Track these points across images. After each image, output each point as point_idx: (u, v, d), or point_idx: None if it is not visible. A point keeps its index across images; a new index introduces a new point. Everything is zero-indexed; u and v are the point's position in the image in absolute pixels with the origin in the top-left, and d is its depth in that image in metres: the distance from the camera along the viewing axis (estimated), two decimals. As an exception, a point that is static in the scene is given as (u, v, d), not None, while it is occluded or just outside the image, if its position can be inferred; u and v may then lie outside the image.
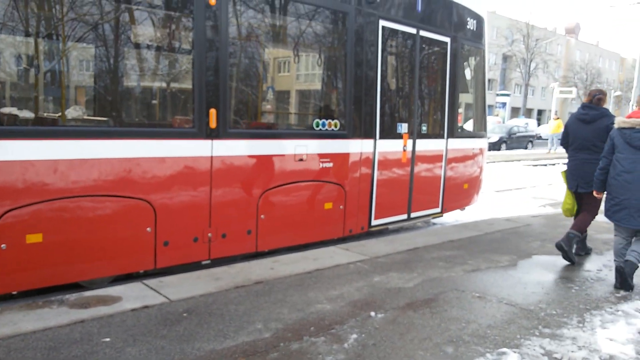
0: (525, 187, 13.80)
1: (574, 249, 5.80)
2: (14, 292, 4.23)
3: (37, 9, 4.26)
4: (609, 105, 63.75)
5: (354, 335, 3.59)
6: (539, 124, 46.81)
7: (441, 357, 3.31)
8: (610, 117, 5.58)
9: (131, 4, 4.56)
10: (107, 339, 3.40)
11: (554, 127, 28.34)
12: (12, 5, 3.98)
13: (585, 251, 6.18)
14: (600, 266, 5.64)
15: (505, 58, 60.18)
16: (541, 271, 5.37)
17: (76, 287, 4.53)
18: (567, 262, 5.67)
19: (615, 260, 5.12)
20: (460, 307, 4.23)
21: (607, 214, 5.12)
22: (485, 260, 5.73)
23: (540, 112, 65.89)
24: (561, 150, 30.59)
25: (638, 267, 4.87)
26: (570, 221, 6.13)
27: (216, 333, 3.57)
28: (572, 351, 3.45)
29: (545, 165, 20.79)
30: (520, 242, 6.65)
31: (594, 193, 5.38)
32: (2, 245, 3.92)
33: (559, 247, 5.61)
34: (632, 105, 6.63)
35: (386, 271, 5.19)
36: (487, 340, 3.59)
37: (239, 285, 4.60)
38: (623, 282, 4.84)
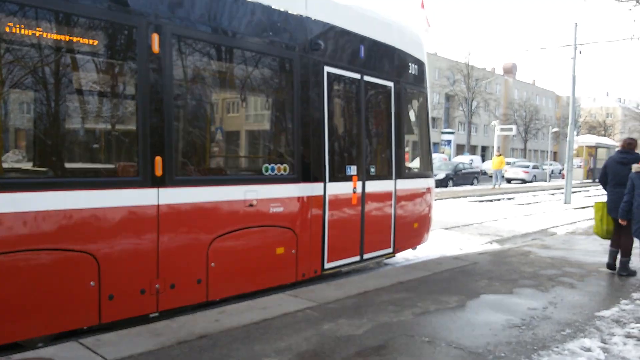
0: (472, 223, 14.09)
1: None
2: None
3: None
4: (547, 140, 67.00)
5: (301, 392, 3.45)
6: (483, 160, 48.41)
7: (390, 411, 3.22)
8: None
9: (73, 50, 4.45)
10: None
11: (496, 163, 29.37)
12: None
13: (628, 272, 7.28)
14: (546, 304, 5.72)
15: (448, 97, 62.57)
16: (489, 311, 5.40)
17: (15, 346, 4.23)
18: (515, 301, 5.75)
19: None
20: (410, 353, 4.16)
21: (636, 234, 6.69)
22: (434, 301, 5.72)
23: (484, 149, 68.34)
24: (505, 186, 31.63)
25: None
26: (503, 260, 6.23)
27: (154, 397, 3.36)
28: (521, 396, 3.43)
29: (491, 200, 21.39)
30: (468, 281, 6.70)
31: (620, 221, 6.95)
32: None
33: (625, 275, 7.14)
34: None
35: (336, 318, 5.08)
36: (437, 389, 3.52)
37: (182, 340, 4.38)
38: None
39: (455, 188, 27.45)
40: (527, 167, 38.79)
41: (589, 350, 4.32)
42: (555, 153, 77.24)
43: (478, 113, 61.31)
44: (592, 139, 44.67)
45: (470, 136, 59.22)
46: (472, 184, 30.68)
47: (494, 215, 15.89)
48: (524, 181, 36.69)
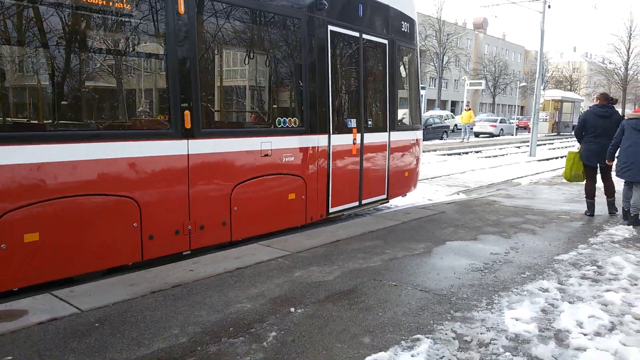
0: (440, 175, 14.39)
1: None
2: (15, 289, 4.38)
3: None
4: (515, 95, 67.64)
5: (273, 333, 3.58)
6: (453, 115, 48.86)
7: (358, 348, 3.38)
8: (618, 113, 7.90)
9: (111, 13, 4.84)
10: (9, 358, 3.18)
11: (465, 117, 29.71)
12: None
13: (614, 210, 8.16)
14: (507, 248, 5.98)
15: (420, 53, 62.23)
16: (454, 256, 5.62)
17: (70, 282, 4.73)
18: (478, 247, 5.99)
19: (623, 202, 7.65)
20: (378, 296, 4.34)
21: (618, 174, 7.47)
22: (402, 249, 5.91)
23: (453, 104, 68.80)
24: (473, 140, 32.06)
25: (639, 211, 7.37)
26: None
27: (130, 342, 3.45)
28: (481, 333, 3.64)
29: (459, 154, 21.77)
30: (435, 229, 6.92)
31: (607, 162, 7.71)
32: (2, 245, 4.14)
33: (613, 213, 8.08)
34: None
35: (307, 265, 5.23)
36: (402, 327, 3.70)
37: (156, 290, 4.46)
38: (632, 220, 7.35)
39: (425, 142, 27.68)
40: (495, 121, 39.35)
41: (546, 291, 4.56)
42: (522, 107, 78.31)
43: (449, 68, 61.41)
44: (558, 94, 45.42)
45: (441, 91, 59.44)
46: (441, 139, 31.06)
47: (462, 168, 16.23)
48: (491, 135, 37.29)
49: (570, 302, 4.23)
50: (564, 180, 9.77)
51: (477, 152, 22.87)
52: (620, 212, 7.96)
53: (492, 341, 3.51)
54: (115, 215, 4.83)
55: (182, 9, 5.14)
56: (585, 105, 62.83)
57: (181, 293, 4.39)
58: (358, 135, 7.64)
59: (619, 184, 8.00)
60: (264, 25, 6.37)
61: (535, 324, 3.81)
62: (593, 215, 8.05)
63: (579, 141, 8.18)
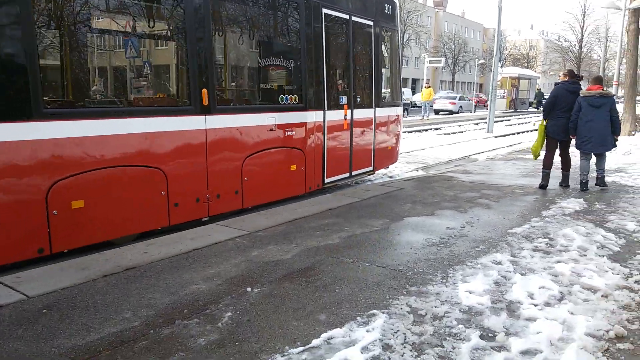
0: (400, 152, 14.46)
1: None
2: (65, 250, 4.81)
3: None
4: (474, 72, 68.62)
5: (229, 314, 3.54)
6: (413, 93, 49.24)
7: (314, 325, 3.37)
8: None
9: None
10: (-51, 348, 3.04)
11: (425, 95, 29.96)
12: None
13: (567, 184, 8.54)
14: (463, 223, 6.07)
15: (381, 29, 62.13)
16: (411, 232, 5.68)
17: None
18: (435, 222, 6.07)
19: (581, 175, 8.18)
20: (335, 273, 4.34)
21: (579, 146, 8.07)
22: (361, 225, 5.93)
23: (414, 81, 69.29)
24: (434, 117, 32.42)
25: (605, 175, 8.33)
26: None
27: (79, 327, 3.34)
28: (436, 306, 3.68)
29: (419, 131, 21.98)
30: (393, 206, 6.97)
31: (571, 136, 8.14)
32: (54, 211, 4.59)
33: (567, 186, 8.41)
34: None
35: (265, 244, 5.18)
36: (358, 303, 3.72)
37: (108, 273, 4.34)
38: (600, 182, 8.30)
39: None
40: (454, 98, 39.86)
41: (499, 263, 4.66)
42: (481, 85, 79.56)
43: (409, 46, 61.64)
44: (515, 71, 46.33)
45: (402, 69, 59.71)
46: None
47: (421, 145, 16.40)
48: (451, 112, 37.79)
49: (522, 274, 4.33)
50: (520, 156, 9.98)
51: (436, 129, 23.15)
52: (573, 185, 8.34)
53: (445, 314, 3.56)
54: (147, 184, 5.38)
55: None
56: (541, 83, 64.39)
57: (134, 276, 4.28)
58: (349, 112, 8.29)
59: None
60: (269, 9, 7.00)
61: (488, 296, 3.88)
62: (547, 184, 8.37)
63: (546, 116, 8.40)
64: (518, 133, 22.41)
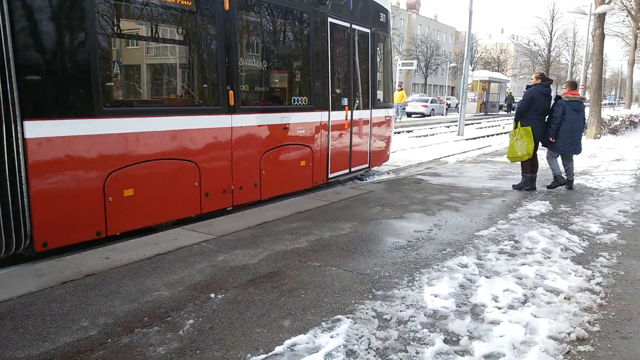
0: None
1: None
2: (117, 233, 5.37)
3: None
4: (446, 75, 69.43)
5: (191, 321, 3.46)
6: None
7: (278, 331, 3.32)
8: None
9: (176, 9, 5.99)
10: None
11: (397, 98, 30.11)
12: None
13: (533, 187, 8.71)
14: (431, 226, 6.10)
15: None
16: (379, 235, 5.67)
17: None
18: (403, 225, 6.09)
19: (558, 176, 8.58)
20: (301, 278, 4.29)
21: (562, 149, 8.43)
22: (330, 229, 5.90)
23: (387, 84, 69.51)
24: (405, 120, 32.60)
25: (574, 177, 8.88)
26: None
27: (33, 337, 3.22)
28: (401, 310, 3.67)
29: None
30: (362, 209, 6.96)
31: (551, 139, 8.37)
32: (109, 198, 5.18)
33: (533, 188, 8.54)
34: (560, 87, 9.01)
35: (231, 249, 5.10)
36: (324, 308, 3.68)
37: (67, 280, 4.21)
38: (570, 185, 8.70)
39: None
40: (427, 101, 40.24)
41: (465, 266, 4.68)
42: (453, 88, 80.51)
43: (382, 48, 61.92)
44: (485, 74, 46.97)
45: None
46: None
47: (393, 147, 16.38)
48: (423, 115, 38.11)
49: (487, 277, 4.36)
50: (489, 159, 10.09)
51: (408, 131, 23.30)
52: (539, 188, 8.60)
53: (410, 318, 3.55)
54: (183, 176, 5.99)
55: (227, 6, 6.25)
56: (511, 86, 65.52)
57: (94, 283, 4.16)
58: (349, 112, 8.99)
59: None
60: (282, 19, 7.68)
61: (453, 299, 3.88)
62: (535, 188, 8.59)
63: (519, 118, 8.43)
64: (488, 136, 22.73)
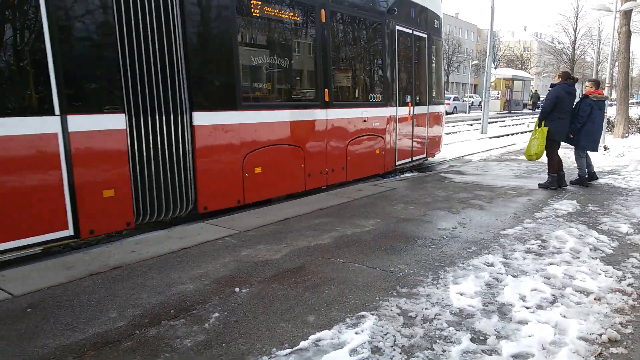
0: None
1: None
2: (250, 202, 6.84)
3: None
4: (468, 73, 68.67)
5: (216, 314, 3.47)
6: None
7: (302, 327, 3.31)
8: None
9: (289, 23, 7.42)
10: None
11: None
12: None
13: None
14: (455, 224, 6.03)
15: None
16: (402, 233, 5.62)
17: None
18: (427, 222, 6.03)
19: (583, 176, 8.73)
20: (325, 274, 4.28)
21: (587, 146, 8.55)
22: (352, 225, 5.88)
23: (409, 81, 68.94)
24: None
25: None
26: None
27: (64, 327, 3.27)
28: (426, 308, 3.63)
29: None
30: (385, 206, 6.92)
31: (570, 135, 8.45)
32: (246, 174, 6.64)
33: (563, 185, 8.52)
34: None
35: (255, 244, 5.12)
36: (348, 305, 3.66)
37: (95, 272, 4.27)
38: (591, 178, 8.85)
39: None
40: (449, 99, 39.88)
41: (491, 265, 4.61)
42: (475, 86, 79.64)
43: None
44: (509, 72, 46.37)
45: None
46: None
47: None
48: (445, 113, 37.73)
49: (514, 276, 4.29)
50: (514, 157, 9.97)
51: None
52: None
53: (436, 316, 3.51)
54: (294, 158, 7.45)
55: (323, 19, 7.66)
56: (534, 84, 64.53)
57: (121, 275, 4.21)
58: (412, 108, 10.31)
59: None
60: (363, 29, 8.91)
61: (480, 298, 3.83)
62: (567, 185, 8.65)
63: (544, 118, 8.33)
64: (512, 134, 22.43)
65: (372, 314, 3.49)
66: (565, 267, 4.52)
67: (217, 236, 5.37)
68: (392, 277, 4.24)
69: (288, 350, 3.02)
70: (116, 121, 5.09)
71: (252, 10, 6.70)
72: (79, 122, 4.79)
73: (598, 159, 11.21)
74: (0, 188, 4.35)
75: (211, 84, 6.12)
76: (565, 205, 7.10)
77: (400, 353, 3.03)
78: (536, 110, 44.60)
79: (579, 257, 4.86)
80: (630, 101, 21.50)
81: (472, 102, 47.36)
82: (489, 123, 23.32)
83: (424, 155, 11.21)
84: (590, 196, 7.91)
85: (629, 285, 4.17)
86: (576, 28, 60.88)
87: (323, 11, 7.59)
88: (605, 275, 4.36)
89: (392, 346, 3.10)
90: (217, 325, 3.33)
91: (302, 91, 7.96)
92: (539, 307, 3.73)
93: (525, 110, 46.37)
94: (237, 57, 6.35)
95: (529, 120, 29.71)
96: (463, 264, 4.62)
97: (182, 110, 5.73)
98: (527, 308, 3.68)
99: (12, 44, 4.40)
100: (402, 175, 10.38)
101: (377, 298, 3.78)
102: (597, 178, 8.97)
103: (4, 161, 4.34)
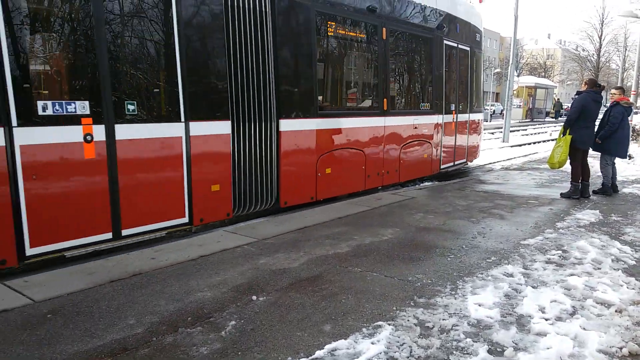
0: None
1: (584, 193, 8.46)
2: (321, 199, 7.71)
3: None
4: (490, 81, 68.06)
5: (233, 322, 3.50)
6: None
7: (318, 336, 3.32)
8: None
9: (357, 40, 8.32)
10: (-48, 352, 3.04)
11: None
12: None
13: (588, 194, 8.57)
14: (475, 234, 5.97)
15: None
16: (421, 242, 5.59)
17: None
18: (446, 231, 5.99)
19: (607, 185, 8.71)
20: (342, 283, 4.28)
21: (616, 153, 8.58)
22: (371, 234, 5.87)
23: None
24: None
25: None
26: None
27: (82, 333, 3.33)
28: (444, 319, 3.60)
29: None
30: (404, 215, 6.89)
31: (597, 140, 8.45)
32: (319, 174, 7.51)
33: (586, 196, 8.38)
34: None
35: (273, 252, 5.14)
36: (364, 314, 3.65)
37: (115, 279, 4.33)
38: (613, 190, 8.77)
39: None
40: (470, 107, 39.44)
41: (511, 275, 4.56)
42: (497, 94, 78.93)
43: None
44: (531, 80, 45.83)
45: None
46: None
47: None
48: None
49: (533, 287, 4.23)
50: (535, 166, 9.86)
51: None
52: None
53: (453, 327, 3.48)
54: (356, 160, 8.21)
55: (384, 36, 8.53)
56: (558, 92, 63.66)
57: (140, 282, 4.27)
58: (455, 116, 11.01)
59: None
60: (415, 44, 9.67)
61: (498, 309, 3.79)
62: (590, 195, 8.49)
63: (569, 126, 8.20)
64: (534, 143, 22.15)
65: (389, 324, 3.47)
66: (586, 278, 4.45)
67: (236, 244, 5.41)
68: (410, 287, 4.22)
69: (303, 360, 3.02)
70: (224, 127, 6.02)
71: (328, 30, 7.63)
72: (198, 128, 5.73)
73: (622, 168, 11.01)
74: (144, 180, 5.30)
75: (294, 95, 7.03)
76: (588, 215, 6.98)
77: (416, 364, 3.01)
78: (559, 119, 43.97)
79: (600, 268, 4.77)
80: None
81: (494, 111, 46.90)
82: (511, 131, 23.07)
83: (464, 160, 11.83)
84: (613, 206, 7.77)
85: (652, 297, 4.08)
86: (601, 35, 60.05)
87: (384, 29, 8.48)
88: (628, 287, 4.27)
89: (408, 357, 3.09)
90: (234, 333, 3.35)
91: (365, 100, 8.76)
92: (559, 318, 3.67)
93: (548, 119, 45.74)
94: (315, 71, 7.34)
95: (552, 129, 29.29)
96: (482, 274, 4.57)
97: (272, 118, 6.67)
98: (546, 320, 3.63)
99: (155, 71, 5.56)
100: (418, 185, 10.36)
101: (394, 308, 3.77)
102: (617, 191, 8.86)
103: (147, 159, 5.32)
